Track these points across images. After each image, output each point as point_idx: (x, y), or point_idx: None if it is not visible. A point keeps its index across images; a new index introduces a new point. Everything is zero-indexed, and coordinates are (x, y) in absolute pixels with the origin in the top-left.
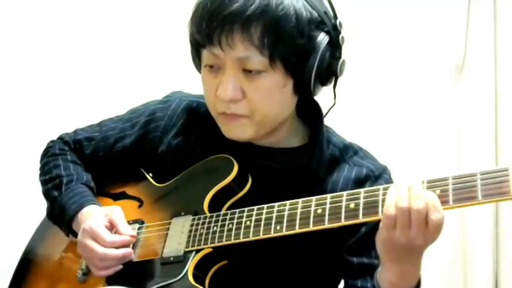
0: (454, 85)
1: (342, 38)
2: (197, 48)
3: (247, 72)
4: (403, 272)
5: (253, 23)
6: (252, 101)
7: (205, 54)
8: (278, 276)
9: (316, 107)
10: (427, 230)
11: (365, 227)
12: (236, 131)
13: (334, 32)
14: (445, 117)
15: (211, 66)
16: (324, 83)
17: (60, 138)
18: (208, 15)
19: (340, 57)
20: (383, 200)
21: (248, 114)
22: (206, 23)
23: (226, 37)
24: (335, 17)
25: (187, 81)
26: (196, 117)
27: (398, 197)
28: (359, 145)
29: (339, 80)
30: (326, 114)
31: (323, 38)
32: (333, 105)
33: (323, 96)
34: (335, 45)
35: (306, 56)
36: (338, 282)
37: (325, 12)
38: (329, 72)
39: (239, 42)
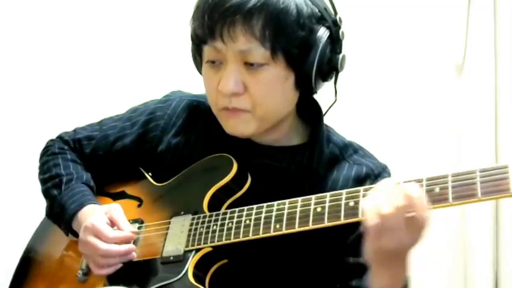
0: (454, 85)
1: (342, 33)
2: (198, 45)
3: (248, 65)
4: (394, 275)
5: (254, 16)
6: (254, 95)
7: (206, 49)
8: (278, 275)
9: (316, 105)
10: (412, 229)
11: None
12: (238, 126)
13: (334, 27)
14: (445, 117)
15: (213, 62)
16: (325, 78)
17: (60, 137)
18: (209, 9)
19: (340, 52)
20: None
21: (250, 109)
22: (208, 16)
23: (228, 30)
24: (335, 12)
25: (187, 81)
26: (196, 117)
27: (377, 204)
28: (358, 144)
29: (339, 79)
30: (327, 111)
31: (323, 33)
32: (334, 102)
33: (323, 95)
34: (335, 40)
35: (307, 49)
36: (338, 282)
37: (325, 9)
38: (330, 66)
39: (241, 35)
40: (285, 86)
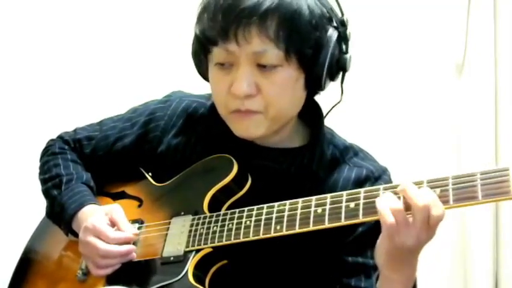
0: (454, 85)
1: (349, 33)
2: (205, 47)
3: (261, 67)
4: (407, 278)
5: (269, 17)
6: (267, 96)
7: (216, 51)
8: (278, 276)
9: (316, 107)
10: (429, 225)
11: (362, 226)
12: (250, 128)
13: (342, 27)
14: (445, 117)
15: (222, 64)
16: (333, 78)
17: (60, 137)
18: (222, 10)
19: (347, 52)
20: None
21: (262, 110)
22: (222, 17)
23: (243, 31)
24: (342, 13)
25: (188, 81)
26: (196, 117)
27: (389, 202)
28: (359, 146)
29: (339, 79)
30: (330, 111)
31: (332, 33)
32: (339, 101)
33: (323, 96)
34: (343, 40)
35: (319, 49)
36: (337, 282)
37: (331, 9)
38: (338, 66)
39: (256, 37)
40: (296, 87)
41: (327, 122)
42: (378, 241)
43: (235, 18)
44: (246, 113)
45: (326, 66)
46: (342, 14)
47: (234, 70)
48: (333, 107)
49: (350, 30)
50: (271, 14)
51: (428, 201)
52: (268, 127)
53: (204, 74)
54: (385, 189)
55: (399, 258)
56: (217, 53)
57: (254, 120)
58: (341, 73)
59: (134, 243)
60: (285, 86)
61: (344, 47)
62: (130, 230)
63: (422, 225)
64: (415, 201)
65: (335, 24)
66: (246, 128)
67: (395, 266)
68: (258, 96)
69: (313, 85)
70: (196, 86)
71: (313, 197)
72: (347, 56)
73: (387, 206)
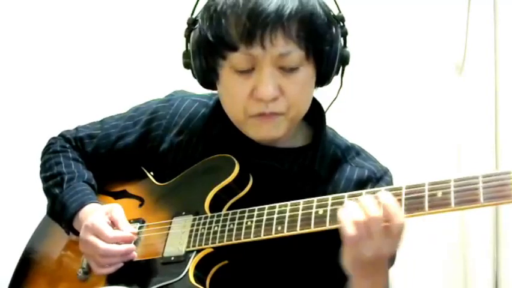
0: (454, 85)
1: (347, 29)
2: (220, 53)
3: (282, 68)
4: (374, 283)
5: (291, 19)
6: (290, 97)
7: (234, 57)
8: (279, 277)
9: (318, 107)
10: (390, 237)
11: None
12: (271, 130)
13: (342, 23)
14: (445, 117)
15: (239, 69)
16: (338, 72)
17: (62, 135)
18: (246, 16)
19: (346, 47)
20: None
21: (285, 111)
22: (247, 23)
23: (269, 35)
24: (339, 10)
25: (189, 80)
26: (198, 117)
27: (351, 213)
28: (361, 146)
29: (337, 80)
30: (329, 106)
31: (337, 29)
32: (336, 97)
33: (322, 94)
34: (343, 36)
35: (332, 45)
36: (338, 283)
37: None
38: (342, 62)
39: (281, 39)
40: (311, 84)
41: (328, 122)
42: (342, 247)
43: (261, 23)
44: (270, 115)
45: (337, 62)
46: (339, 11)
47: (255, 74)
48: (332, 102)
49: (349, 28)
50: (292, 16)
51: (382, 214)
52: (287, 127)
53: (209, 79)
54: (386, 191)
55: (362, 266)
56: (235, 58)
57: (276, 122)
58: (341, 67)
59: (135, 243)
60: (304, 85)
61: (344, 42)
62: (129, 230)
63: (379, 237)
64: (367, 213)
65: (335, 20)
66: (267, 131)
67: (360, 272)
68: (282, 98)
69: (323, 80)
70: (197, 86)
71: (315, 198)
72: (348, 50)
73: (349, 217)
